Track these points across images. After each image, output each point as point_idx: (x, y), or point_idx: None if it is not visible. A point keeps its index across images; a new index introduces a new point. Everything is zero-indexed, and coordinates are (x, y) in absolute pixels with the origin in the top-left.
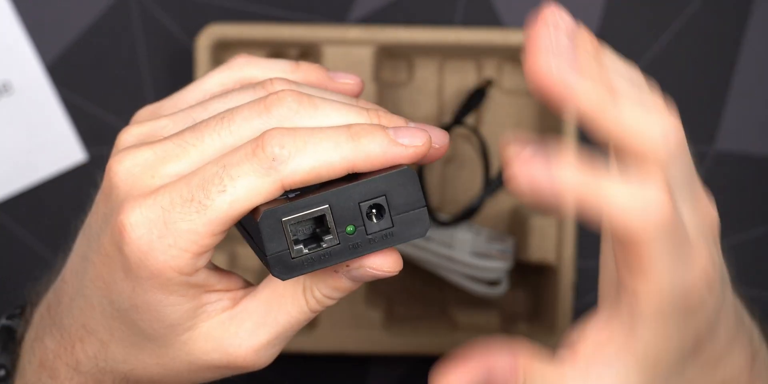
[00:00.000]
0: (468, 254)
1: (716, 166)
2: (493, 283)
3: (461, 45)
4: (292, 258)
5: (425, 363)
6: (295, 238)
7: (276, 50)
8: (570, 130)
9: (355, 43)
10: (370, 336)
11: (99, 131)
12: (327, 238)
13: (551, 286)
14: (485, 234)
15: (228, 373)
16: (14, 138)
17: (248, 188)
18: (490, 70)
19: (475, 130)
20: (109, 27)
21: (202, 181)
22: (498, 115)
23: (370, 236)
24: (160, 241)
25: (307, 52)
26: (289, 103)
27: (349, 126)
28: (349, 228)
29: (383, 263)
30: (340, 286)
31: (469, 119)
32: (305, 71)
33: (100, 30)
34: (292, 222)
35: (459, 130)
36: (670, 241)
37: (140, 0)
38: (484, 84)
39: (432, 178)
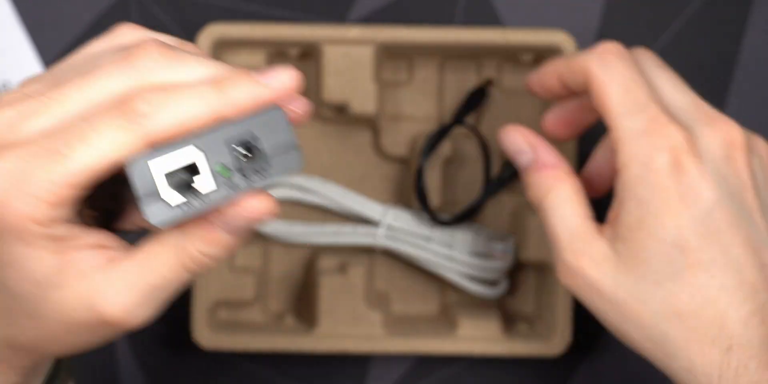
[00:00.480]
0: (468, 254)
1: None
2: (493, 283)
3: (461, 45)
4: (165, 202)
5: (425, 363)
6: (169, 186)
7: (276, 50)
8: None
9: (355, 42)
10: (370, 336)
11: None
12: (199, 181)
13: (551, 286)
14: (485, 234)
15: (106, 333)
16: None
17: (111, 141)
18: (490, 70)
19: (476, 130)
20: (109, 27)
21: (65, 133)
22: (498, 115)
23: (242, 177)
24: (17, 189)
25: (308, 52)
26: (153, 55)
27: (214, 77)
28: (222, 170)
29: (256, 204)
30: (215, 239)
31: (469, 119)
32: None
33: (100, 30)
34: (163, 167)
35: (459, 130)
36: (627, 76)
37: (140, 0)
38: (484, 84)
39: (432, 178)
